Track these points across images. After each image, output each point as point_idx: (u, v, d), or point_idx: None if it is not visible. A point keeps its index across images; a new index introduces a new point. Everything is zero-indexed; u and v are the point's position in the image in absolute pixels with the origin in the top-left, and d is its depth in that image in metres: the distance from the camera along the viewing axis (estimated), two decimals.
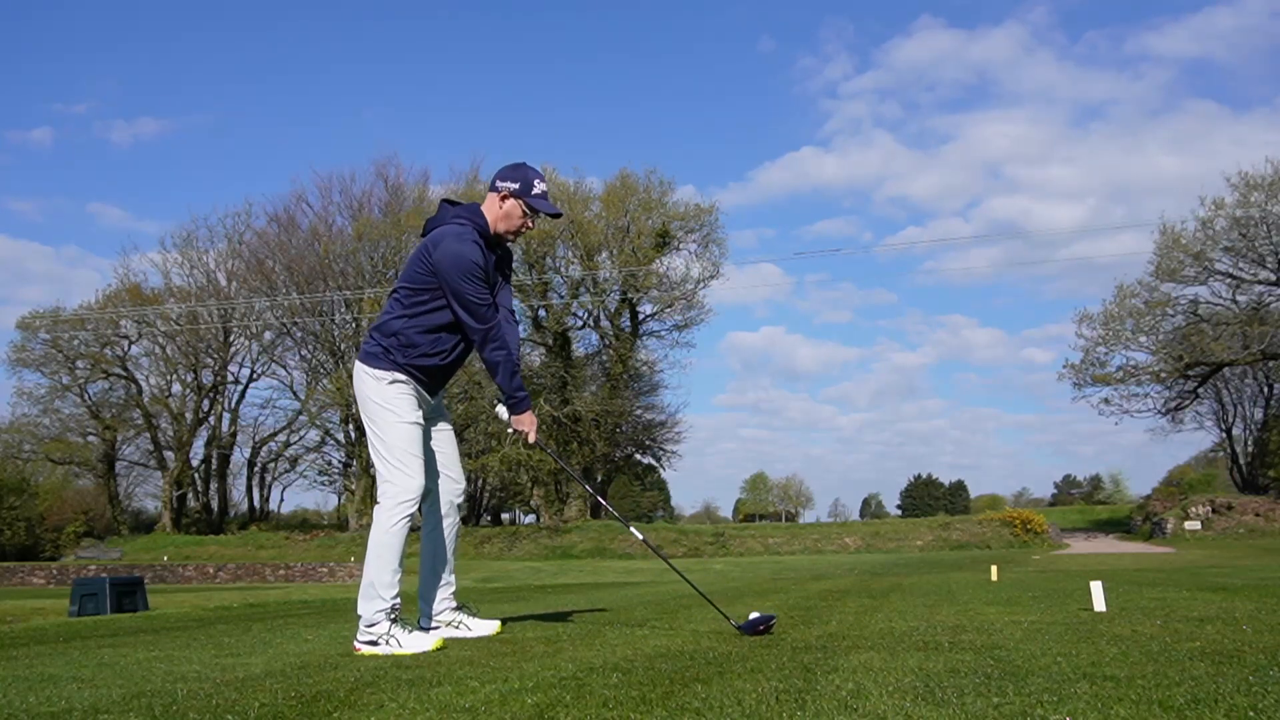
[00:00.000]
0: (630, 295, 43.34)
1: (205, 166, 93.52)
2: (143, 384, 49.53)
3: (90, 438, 50.12)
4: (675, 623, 4.61)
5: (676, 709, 2.17)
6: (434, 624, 4.13)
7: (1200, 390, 41.70)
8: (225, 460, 52.29)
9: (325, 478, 52.43)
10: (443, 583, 4.15)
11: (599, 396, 42.51)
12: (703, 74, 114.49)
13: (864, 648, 3.25)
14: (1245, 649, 2.95)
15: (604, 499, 4.95)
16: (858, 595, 6.63)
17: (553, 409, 39.52)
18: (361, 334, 42.98)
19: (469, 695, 2.44)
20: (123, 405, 49.68)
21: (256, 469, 54.20)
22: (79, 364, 47.98)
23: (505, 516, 58.15)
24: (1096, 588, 4.59)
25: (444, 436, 4.15)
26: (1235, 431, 46.92)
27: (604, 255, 43.66)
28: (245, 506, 54.81)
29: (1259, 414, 45.23)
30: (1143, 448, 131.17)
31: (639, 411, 46.65)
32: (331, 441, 48.95)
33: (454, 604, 4.19)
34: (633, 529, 4.58)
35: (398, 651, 3.60)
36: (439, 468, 4.09)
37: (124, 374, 48.90)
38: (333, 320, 44.78)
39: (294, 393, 49.34)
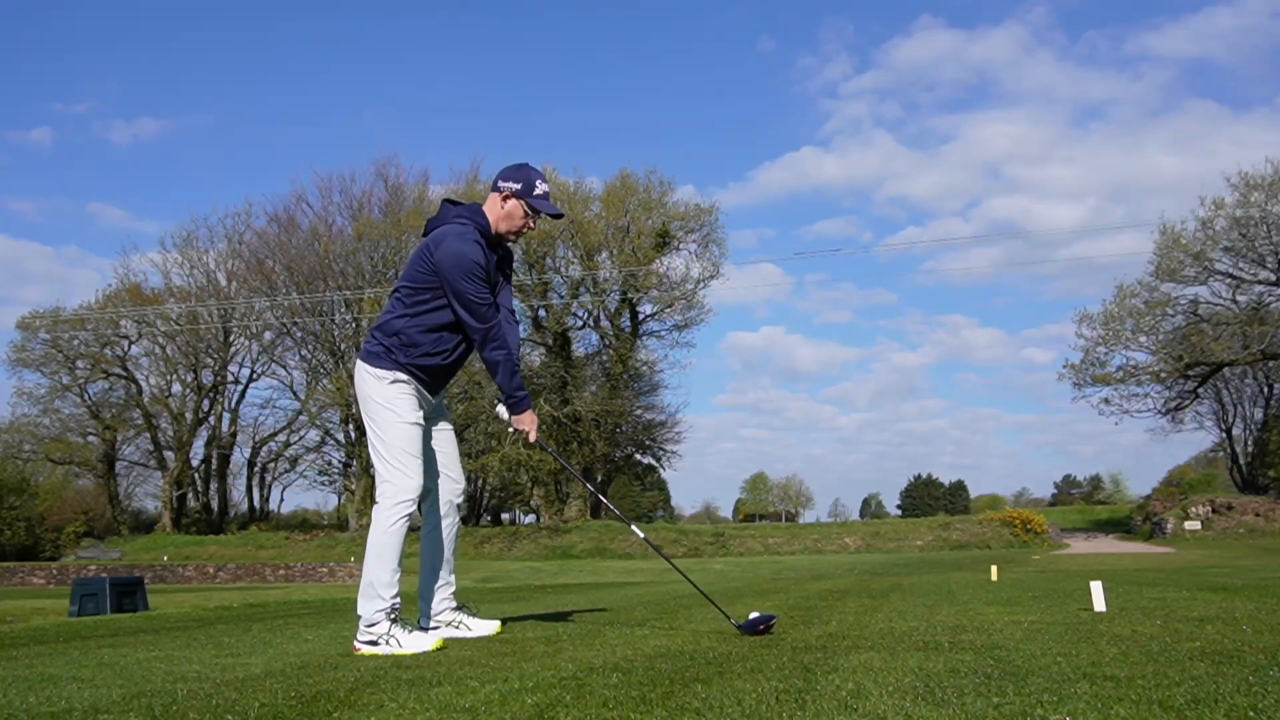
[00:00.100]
0: (630, 295, 43.34)
1: (205, 166, 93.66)
2: (143, 384, 49.58)
3: (90, 438, 50.12)
4: (675, 623, 4.61)
5: (676, 709, 2.17)
6: (434, 624, 4.13)
7: (1200, 390, 41.70)
8: (225, 460, 52.31)
9: (325, 478, 52.49)
10: (442, 583, 4.15)
11: (599, 396, 42.51)
12: (703, 74, 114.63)
13: (864, 648, 3.25)
14: (1245, 649, 2.95)
15: (604, 497, 4.95)
16: (858, 595, 6.63)
17: (553, 409, 39.52)
18: (361, 334, 42.98)
19: (469, 695, 2.44)
20: (123, 405, 49.68)
21: (256, 469, 54.24)
22: (79, 364, 47.98)
23: (505, 516, 58.15)
24: (1096, 588, 4.59)
25: (444, 436, 4.15)
26: (1235, 431, 46.96)
27: (604, 255, 43.67)
28: (245, 506, 54.86)
29: (1259, 414, 45.25)
30: (1143, 448, 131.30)
31: (639, 411, 46.66)
32: (331, 441, 49.00)
33: (454, 604, 4.19)
34: (634, 527, 4.58)
35: (398, 651, 3.60)
36: (439, 467, 4.09)
37: (124, 374, 48.91)
38: (333, 320, 44.78)
39: (294, 393, 49.41)
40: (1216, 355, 36.79)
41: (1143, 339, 39.19)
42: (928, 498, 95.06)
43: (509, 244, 4.14)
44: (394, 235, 42.95)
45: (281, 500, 67.46)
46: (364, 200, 46.35)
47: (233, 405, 51.58)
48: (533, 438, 4.10)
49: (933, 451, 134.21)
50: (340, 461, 49.38)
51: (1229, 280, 37.50)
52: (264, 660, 3.49)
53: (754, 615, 3.92)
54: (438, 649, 3.65)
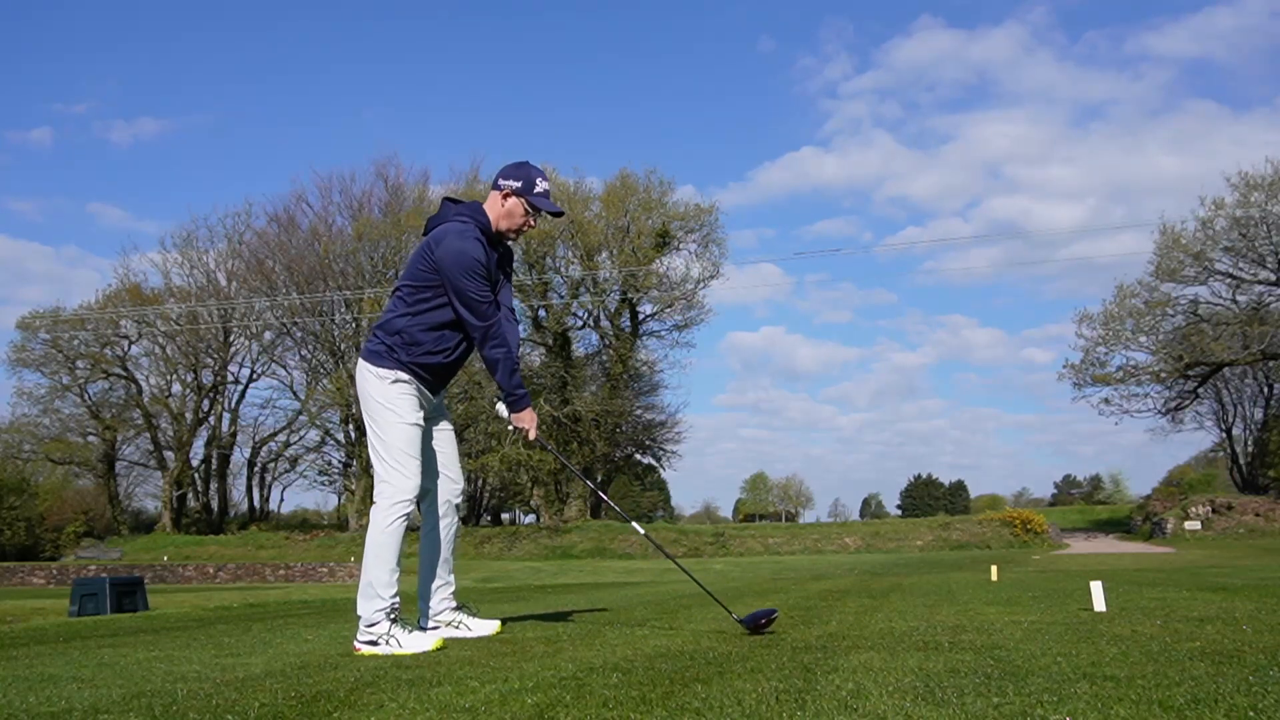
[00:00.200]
0: (630, 295, 43.34)
1: (205, 166, 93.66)
2: (143, 384, 49.58)
3: (90, 438, 50.12)
4: (675, 623, 4.61)
5: (676, 709, 2.17)
6: (433, 624, 4.13)
7: (1200, 390, 41.70)
8: (225, 460, 52.31)
9: (325, 478, 52.50)
10: (442, 583, 4.15)
11: (599, 396, 42.51)
12: (703, 74, 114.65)
13: (864, 648, 3.25)
14: (1245, 649, 2.95)
15: (604, 495, 4.95)
16: (858, 595, 6.63)
17: (553, 409, 39.52)
18: (362, 334, 42.98)
19: (469, 695, 2.44)
20: (123, 405, 49.68)
21: (256, 469, 54.24)
22: (79, 364, 47.98)
23: (505, 516, 58.15)
24: (1096, 588, 4.59)
25: (444, 436, 4.15)
26: (1235, 431, 46.96)
27: (604, 255, 43.67)
28: (245, 506, 54.85)
29: (1259, 414, 45.26)
30: (1143, 448, 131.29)
31: (639, 411, 46.66)
32: (331, 441, 49.01)
33: (454, 604, 4.19)
34: (635, 524, 4.58)
35: (398, 651, 3.60)
36: (438, 468, 4.09)
37: (124, 374, 48.91)
38: (333, 320, 44.78)
39: (294, 393, 49.41)
40: (1216, 355, 36.79)
41: (1143, 339, 39.22)
42: (928, 498, 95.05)
43: (509, 242, 4.14)
44: (394, 235, 42.95)
45: (281, 500, 67.59)
46: (364, 200, 46.40)
47: (233, 405, 51.67)
48: (532, 436, 4.10)
49: (933, 451, 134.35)
50: (340, 461, 49.40)
51: (1229, 280, 37.52)
52: (264, 660, 3.49)
53: (755, 611, 3.93)
54: (438, 649, 3.65)
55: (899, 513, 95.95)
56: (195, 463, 50.93)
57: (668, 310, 44.48)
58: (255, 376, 51.26)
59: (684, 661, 3.00)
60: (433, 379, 3.99)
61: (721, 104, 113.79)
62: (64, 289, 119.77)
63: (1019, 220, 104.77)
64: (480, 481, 45.89)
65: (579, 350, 45.86)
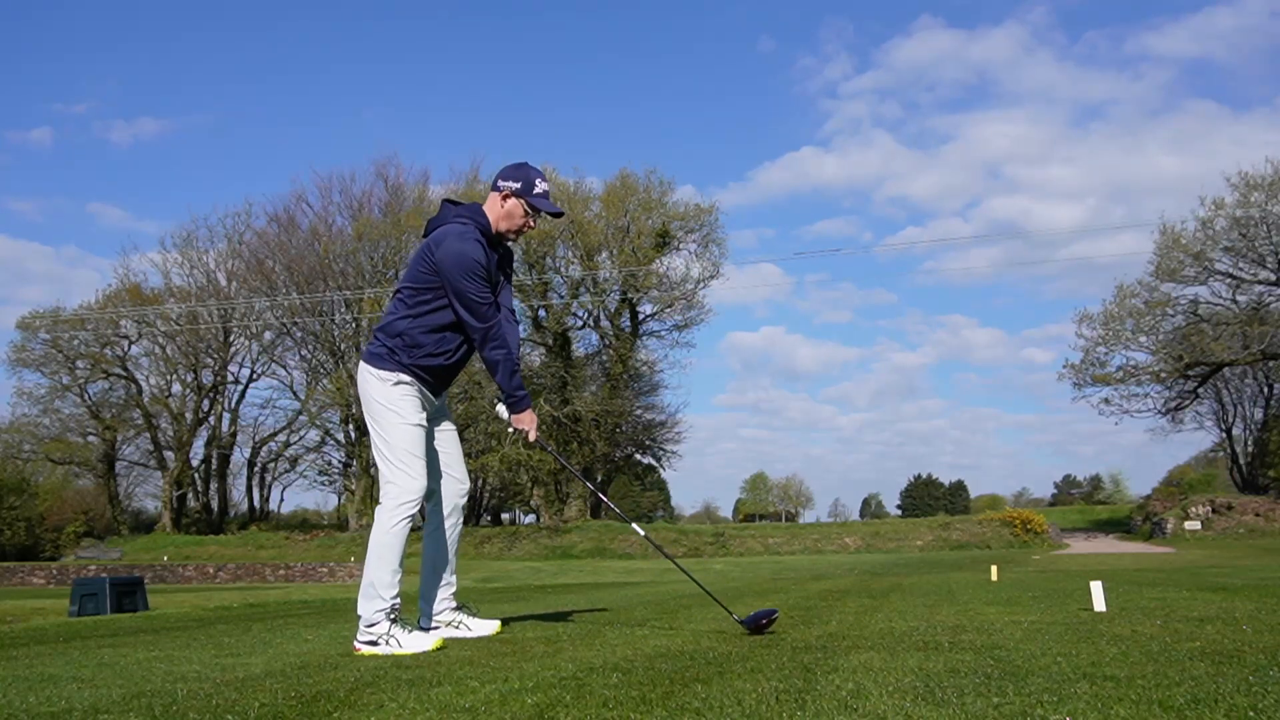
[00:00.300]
0: (630, 295, 43.34)
1: (205, 166, 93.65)
2: (143, 384, 49.59)
3: (90, 438, 50.13)
4: (675, 623, 4.61)
5: (676, 709, 2.17)
6: (434, 624, 4.13)
7: (1200, 390, 41.70)
8: (225, 460, 52.32)
9: (325, 478, 52.50)
10: (443, 583, 4.15)
11: (599, 396, 42.51)
12: (703, 74, 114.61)
13: (864, 648, 3.25)
14: (1245, 649, 2.95)
15: (604, 496, 4.95)
16: (858, 595, 6.64)
17: (553, 409, 39.53)
18: (362, 334, 42.99)
19: (469, 695, 2.44)
20: (123, 405, 49.68)
21: (256, 469, 54.25)
22: (79, 364, 47.98)
23: (505, 516, 58.15)
24: (1096, 588, 4.59)
25: (447, 437, 4.16)
26: (1235, 431, 46.96)
27: (604, 255, 43.67)
28: (245, 506, 54.86)
29: (1259, 414, 45.26)
30: (1143, 448, 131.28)
31: (639, 411, 46.65)
32: (331, 441, 49.00)
33: (454, 604, 4.19)
34: (634, 525, 4.58)
35: (398, 651, 3.60)
36: (442, 468, 4.10)
37: (124, 374, 48.91)
38: (333, 320, 44.79)
39: (294, 393, 49.41)
40: (1216, 355, 36.80)
41: (1143, 339, 39.22)
42: (928, 498, 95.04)
43: (509, 243, 4.14)
44: (394, 235, 42.96)
45: (281, 500, 67.54)
46: (364, 200, 46.40)
47: (233, 405, 51.68)
48: (532, 437, 4.11)
49: (933, 451, 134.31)
50: (340, 461, 49.41)
51: (1229, 280, 37.52)
52: (264, 660, 3.49)
53: (755, 612, 3.93)
54: (438, 649, 3.65)
55: (899, 513, 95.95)
56: (195, 463, 50.95)
57: (668, 310, 44.52)
58: (255, 376, 51.35)
59: (684, 661, 3.00)
60: (434, 381, 3.99)
61: (721, 104, 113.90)
62: (64, 289, 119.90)
63: (1019, 220, 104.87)
64: (480, 481, 45.84)
65: (579, 350, 45.89)
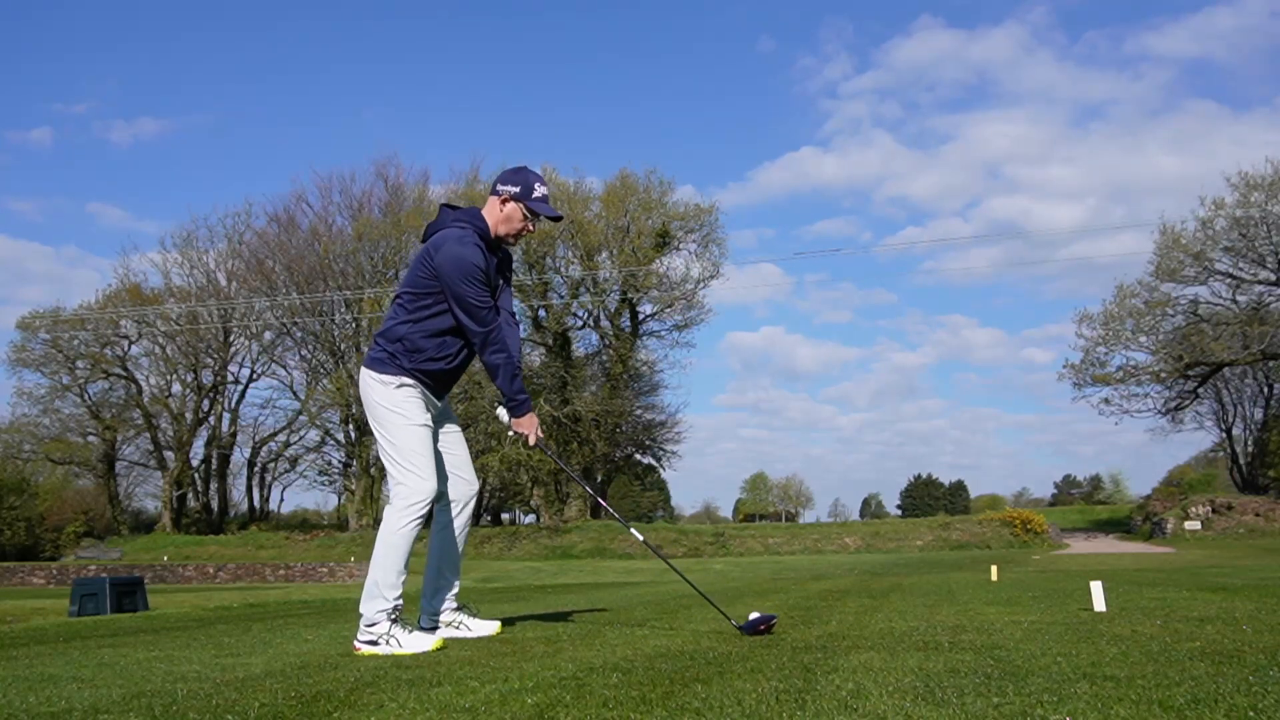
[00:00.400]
0: (630, 295, 43.34)
1: (205, 166, 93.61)
2: (143, 384, 49.58)
3: (90, 438, 50.13)
4: (675, 623, 4.61)
5: (676, 709, 2.17)
6: (434, 624, 4.14)
7: (1200, 390, 41.70)
8: (225, 460, 52.32)
9: (325, 478, 52.50)
10: (446, 583, 4.16)
11: (599, 396, 42.51)
12: (703, 74, 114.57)
13: (864, 648, 3.25)
14: (1245, 649, 2.95)
15: (604, 499, 4.95)
16: (858, 595, 6.64)
17: (553, 409, 39.53)
18: (362, 334, 43.01)
19: (469, 695, 2.44)
20: (123, 405, 49.68)
21: (256, 469, 54.25)
22: (79, 364, 47.98)
23: (505, 516, 58.14)
24: (1096, 588, 4.59)
25: (453, 438, 4.16)
26: (1235, 431, 46.96)
27: (604, 255, 43.67)
28: (245, 506, 54.86)
29: (1259, 414, 45.25)
30: (1143, 448, 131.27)
31: (639, 411, 46.64)
32: (331, 441, 49.01)
33: (454, 604, 4.19)
34: (632, 529, 4.58)
35: (398, 651, 3.61)
36: (449, 470, 4.09)
37: (124, 374, 48.92)
38: (333, 320, 44.80)
39: (294, 393, 49.43)
40: (1216, 355, 36.79)
41: (1143, 339, 39.23)
42: (928, 498, 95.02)
43: (508, 247, 4.14)
44: (394, 235, 42.97)
45: (281, 500, 67.48)
46: (364, 200, 46.42)
47: (233, 405, 51.68)
48: (533, 440, 4.10)
49: (933, 451, 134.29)
50: (340, 461, 49.42)
51: (1229, 280, 37.52)
52: (264, 660, 3.49)
53: (754, 615, 3.92)
54: (438, 649, 3.65)
55: (899, 513, 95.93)
56: (195, 463, 50.95)
57: (668, 310, 44.51)
58: (255, 376, 51.35)
59: (684, 661, 3.00)
60: (436, 385, 3.99)
61: (721, 104, 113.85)
62: (64, 289, 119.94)
63: (1019, 220, 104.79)
64: (480, 481, 45.87)
65: (579, 350, 45.89)
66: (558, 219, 4.20)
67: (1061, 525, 42.37)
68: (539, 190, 3.99)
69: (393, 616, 3.72)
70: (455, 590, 4.20)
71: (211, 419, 50.92)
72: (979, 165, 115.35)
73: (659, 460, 50.20)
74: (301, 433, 51.65)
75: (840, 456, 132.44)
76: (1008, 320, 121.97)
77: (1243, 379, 44.11)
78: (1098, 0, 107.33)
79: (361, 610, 3.76)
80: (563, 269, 44.15)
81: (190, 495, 50.93)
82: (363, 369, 3.99)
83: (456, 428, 4.21)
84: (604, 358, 45.68)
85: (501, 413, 4.12)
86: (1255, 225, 35.59)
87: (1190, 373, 38.84)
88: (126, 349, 48.98)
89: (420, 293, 3.87)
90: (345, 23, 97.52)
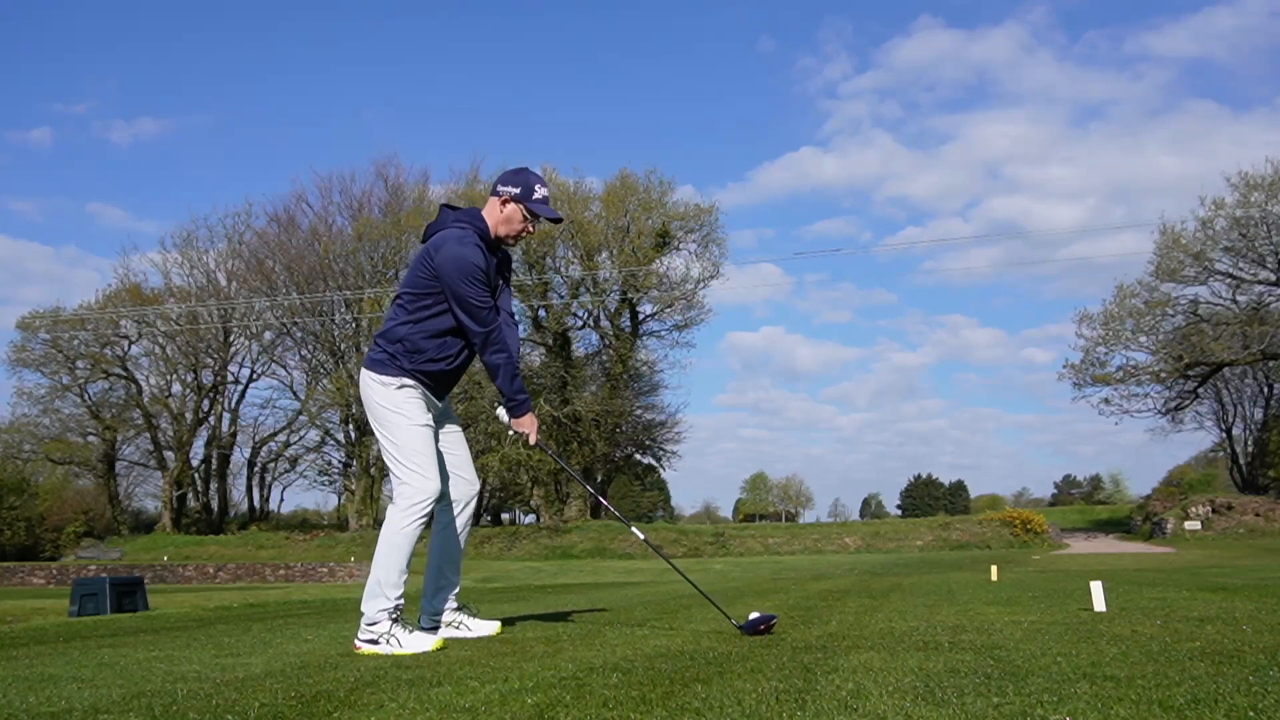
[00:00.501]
0: (630, 295, 43.35)
1: (205, 166, 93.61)
2: (143, 384, 49.58)
3: (90, 438, 50.12)
4: (675, 623, 4.61)
5: (676, 709, 2.17)
6: (434, 623, 4.14)
7: (1200, 390, 41.71)
8: (225, 460, 52.32)
9: (325, 478, 52.50)
10: (446, 583, 4.16)
11: (599, 396, 42.51)
12: (703, 74, 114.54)
13: (864, 648, 3.25)
14: (1245, 649, 2.95)
15: (604, 499, 4.95)
16: (858, 595, 6.64)
17: (553, 409, 39.53)
18: (362, 334, 43.01)
19: (469, 695, 2.44)
20: (123, 405, 49.68)
21: (256, 469, 54.24)
22: (79, 364, 47.98)
23: (505, 516, 58.15)
24: (1096, 588, 4.59)
25: (453, 438, 4.16)
26: (1235, 431, 46.96)
27: (604, 255, 43.68)
28: (245, 506, 54.86)
29: (1259, 414, 45.25)
30: (1143, 448, 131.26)
31: (639, 411, 46.64)
32: (331, 441, 49.01)
33: (455, 604, 4.20)
34: (634, 528, 4.58)
35: (398, 651, 3.61)
36: (450, 470, 4.10)
37: (124, 374, 48.92)
38: (333, 320, 44.80)
39: (294, 393, 49.43)
40: (1216, 355, 36.80)
41: (1143, 339, 39.23)
42: (928, 498, 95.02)
43: (507, 248, 4.14)
44: (394, 235, 42.98)
45: (281, 500, 67.48)
46: (364, 200, 46.43)
47: (233, 405, 51.69)
48: (533, 440, 4.11)
49: (933, 451, 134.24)
50: (340, 461, 49.42)
51: (1229, 280, 37.52)
52: (264, 660, 3.49)
53: (754, 615, 3.92)
54: (438, 649, 3.65)
55: (899, 513, 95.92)
56: (195, 463, 50.95)
57: (668, 310, 44.52)
58: (255, 376, 51.36)
59: (684, 661, 3.00)
60: (436, 385, 3.99)
61: (721, 104, 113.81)
62: (64, 289, 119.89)
63: (1019, 220, 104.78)
64: (480, 481, 45.85)
65: (579, 350, 45.90)
66: (558, 220, 4.20)
67: (1061, 525, 42.37)
68: (539, 192, 3.99)
69: (394, 616, 3.72)
70: (456, 590, 4.20)
71: (211, 419, 50.95)
72: (979, 165, 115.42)
73: (659, 460, 50.25)
74: (301, 433, 51.74)
75: (840, 456, 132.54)
76: (1008, 320, 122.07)
77: (1243, 379, 44.12)
78: (1098, 0, 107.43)
79: (363, 609, 3.76)
80: (563, 269, 44.17)
81: (190, 495, 50.94)
82: (363, 370, 3.98)
83: (457, 427, 4.22)
84: (604, 358, 45.68)
85: (501, 413, 4.12)
86: (1255, 225, 35.60)
87: (1190, 373, 38.84)
88: (126, 349, 49.02)
89: (420, 293, 3.87)
90: (345, 23, 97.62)
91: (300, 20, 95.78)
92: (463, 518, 4.14)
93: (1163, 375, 39.16)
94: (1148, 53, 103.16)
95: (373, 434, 4.03)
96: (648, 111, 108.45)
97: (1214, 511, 35.57)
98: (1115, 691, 2.24)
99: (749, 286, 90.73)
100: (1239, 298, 37.98)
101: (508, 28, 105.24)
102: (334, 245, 44.60)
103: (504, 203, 3.97)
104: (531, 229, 4.04)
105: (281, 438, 52.51)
